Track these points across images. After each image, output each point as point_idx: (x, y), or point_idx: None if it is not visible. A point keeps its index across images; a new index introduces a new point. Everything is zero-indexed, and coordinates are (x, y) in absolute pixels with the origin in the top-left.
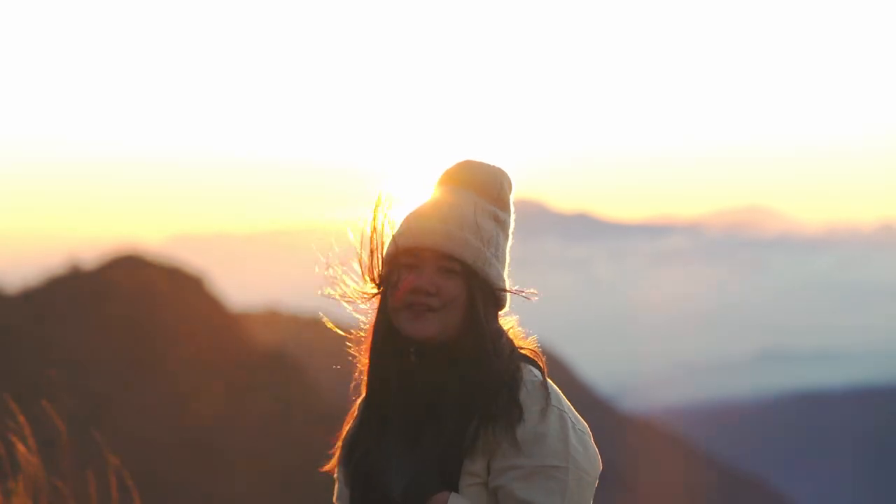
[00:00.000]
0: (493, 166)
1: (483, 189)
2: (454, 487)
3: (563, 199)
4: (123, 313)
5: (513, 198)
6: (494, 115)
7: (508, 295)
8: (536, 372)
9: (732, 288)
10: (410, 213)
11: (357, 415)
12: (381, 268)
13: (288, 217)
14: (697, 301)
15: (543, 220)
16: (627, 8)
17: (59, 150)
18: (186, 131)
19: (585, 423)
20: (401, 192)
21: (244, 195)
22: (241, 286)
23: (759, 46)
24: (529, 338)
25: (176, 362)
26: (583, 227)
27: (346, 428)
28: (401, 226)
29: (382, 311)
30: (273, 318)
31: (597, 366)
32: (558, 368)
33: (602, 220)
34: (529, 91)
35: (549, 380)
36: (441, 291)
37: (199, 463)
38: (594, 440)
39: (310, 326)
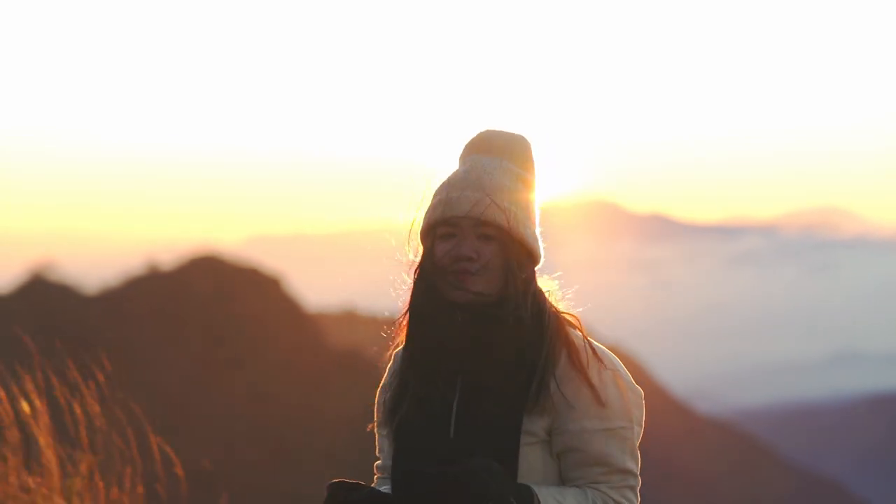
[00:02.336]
0: (514, 133)
1: (509, 154)
2: (513, 446)
3: (638, 200)
4: (201, 314)
5: (536, 159)
6: (569, 117)
7: (543, 252)
8: (580, 335)
9: (807, 289)
10: (442, 185)
11: (395, 378)
12: (419, 240)
13: (365, 217)
14: (772, 303)
15: (618, 221)
16: (697, 8)
17: (137, 152)
18: (264, 132)
19: (630, 375)
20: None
21: (321, 195)
22: (317, 287)
23: (834, 44)
24: (565, 301)
25: (253, 362)
26: (657, 229)
27: (380, 390)
28: (434, 198)
29: (424, 280)
30: (349, 318)
31: (672, 368)
32: (633, 370)
33: (677, 221)
34: (604, 92)
35: (593, 341)
36: (480, 256)
37: (275, 462)
38: (670, 442)
39: (386, 327)
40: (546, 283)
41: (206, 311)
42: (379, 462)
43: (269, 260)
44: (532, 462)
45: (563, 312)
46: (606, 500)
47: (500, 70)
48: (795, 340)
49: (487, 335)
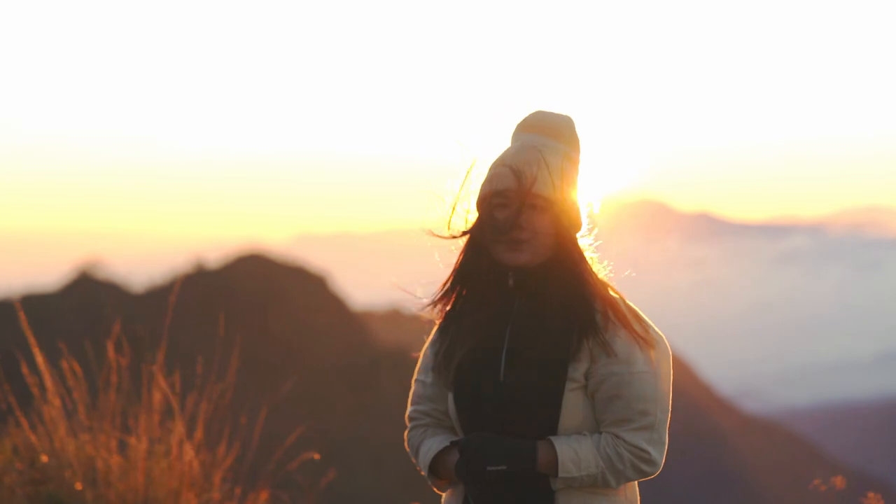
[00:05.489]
0: (561, 113)
1: (555, 133)
2: (560, 391)
3: (685, 198)
4: (248, 312)
5: (581, 137)
6: (617, 115)
7: (585, 219)
8: (618, 294)
9: (854, 288)
10: (496, 160)
11: (445, 334)
12: (474, 211)
13: (411, 216)
14: (819, 302)
15: (665, 219)
16: (742, 12)
17: (185, 152)
18: (309, 131)
19: (661, 334)
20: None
21: (367, 194)
22: (363, 285)
23: (880, 40)
24: (603, 265)
25: (299, 360)
26: (704, 227)
27: (429, 344)
28: (489, 171)
29: (477, 247)
30: (395, 317)
31: (717, 366)
32: (679, 369)
33: (724, 220)
34: (653, 91)
35: (627, 300)
36: (530, 226)
37: (321, 460)
38: (714, 441)
39: (431, 326)
40: (588, 249)
41: (253, 309)
42: (418, 408)
43: (314, 258)
44: (572, 406)
45: (601, 277)
46: (617, 443)
47: (548, 70)
48: (842, 339)
49: (536, 294)
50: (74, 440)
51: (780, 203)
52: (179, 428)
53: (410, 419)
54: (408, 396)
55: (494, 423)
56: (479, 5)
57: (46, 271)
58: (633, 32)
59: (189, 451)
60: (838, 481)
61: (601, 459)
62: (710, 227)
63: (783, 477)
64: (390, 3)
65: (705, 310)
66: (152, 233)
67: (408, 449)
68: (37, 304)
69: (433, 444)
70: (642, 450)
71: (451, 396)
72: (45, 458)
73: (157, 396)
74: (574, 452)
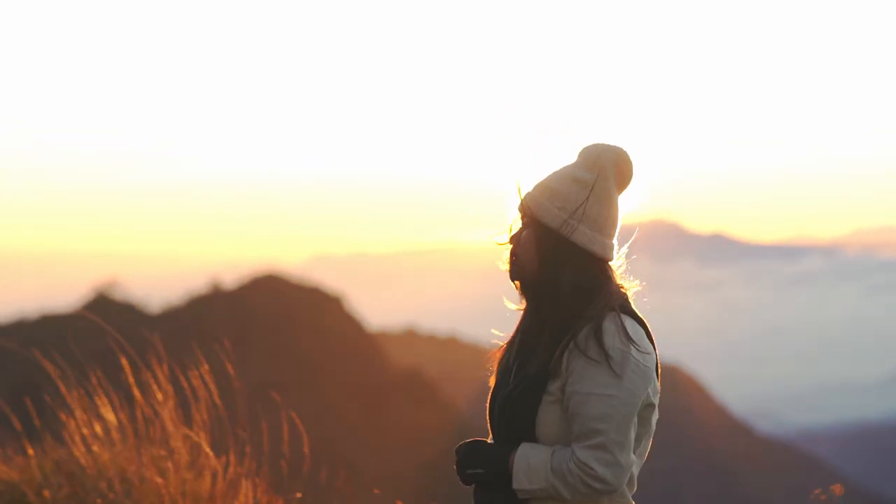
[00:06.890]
0: (605, 144)
1: (578, 158)
2: (535, 404)
3: (699, 219)
4: (263, 333)
5: (612, 165)
6: (630, 135)
7: (615, 249)
8: (618, 319)
9: (869, 310)
10: None
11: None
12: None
13: (426, 238)
14: (833, 323)
15: (679, 240)
16: (756, 23)
17: (199, 173)
18: (324, 152)
19: (648, 357)
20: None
21: (383, 216)
22: (379, 306)
23: (893, 63)
24: (633, 290)
25: (314, 380)
26: (718, 248)
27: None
28: None
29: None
30: (410, 338)
31: (731, 388)
32: (692, 390)
33: (738, 240)
34: (665, 110)
35: (630, 326)
36: (519, 241)
37: (334, 479)
38: (727, 463)
39: (446, 346)
40: (618, 277)
41: (269, 330)
42: None
43: (330, 279)
44: (548, 418)
45: (622, 287)
46: (570, 456)
47: (562, 90)
48: (857, 360)
49: (534, 309)
50: (108, 454)
51: (795, 224)
52: (205, 445)
53: None
54: (420, 414)
55: (494, 431)
56: (496, 30)
57: (63, 293)
58: (646, 53)
59: (217, 466)
60: (836, 489)
61: (552, 473)
62: (724, 248)
63: (797, 498)
64: (408, 28)
65: (719, 331)
66: (169, 254)
67: None
68: (53, 326)
69: None
70: (589, 467)
71: None
72: (81, 473)
73: (175, 411)
74: (528, 465)
